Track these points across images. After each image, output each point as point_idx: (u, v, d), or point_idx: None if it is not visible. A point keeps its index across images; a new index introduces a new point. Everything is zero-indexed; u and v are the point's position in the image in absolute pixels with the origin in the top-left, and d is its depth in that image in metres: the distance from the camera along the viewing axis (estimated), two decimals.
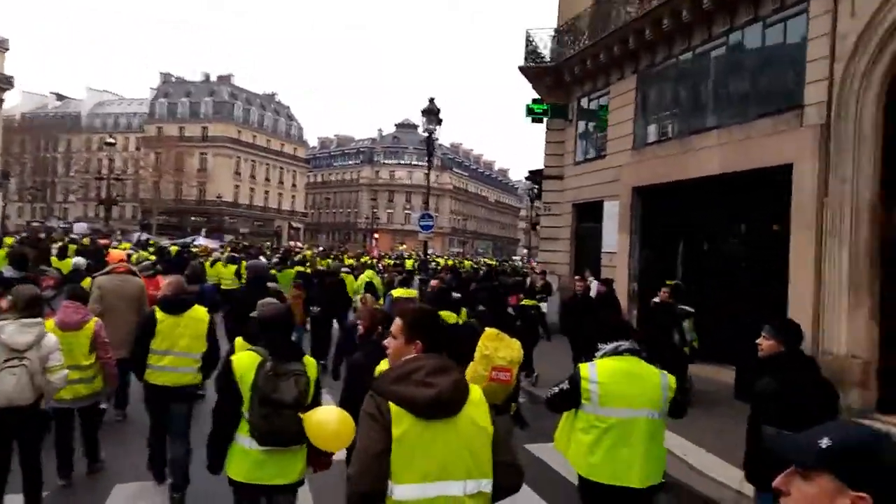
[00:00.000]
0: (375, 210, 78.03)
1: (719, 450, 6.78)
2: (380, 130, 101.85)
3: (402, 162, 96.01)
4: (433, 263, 26.25)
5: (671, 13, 13.19)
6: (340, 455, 3.55)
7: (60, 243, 16.57)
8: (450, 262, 34.42)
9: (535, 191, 28.04)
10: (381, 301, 10.07)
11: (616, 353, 3.74)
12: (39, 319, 4.73)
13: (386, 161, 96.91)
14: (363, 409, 2.32)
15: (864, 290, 8.99)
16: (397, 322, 2.62)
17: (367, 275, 13.85)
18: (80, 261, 10.78)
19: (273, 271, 12.56)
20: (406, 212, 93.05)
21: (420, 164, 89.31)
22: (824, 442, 1.21)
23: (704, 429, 7.43)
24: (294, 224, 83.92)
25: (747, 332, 4.82)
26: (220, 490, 3.98)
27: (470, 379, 4.41)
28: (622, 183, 15.06)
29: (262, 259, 17.39)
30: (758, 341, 4.05)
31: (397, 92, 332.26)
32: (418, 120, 18.15)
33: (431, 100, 17.25)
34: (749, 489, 4.05)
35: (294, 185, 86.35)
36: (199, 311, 5.55)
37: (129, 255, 11.94)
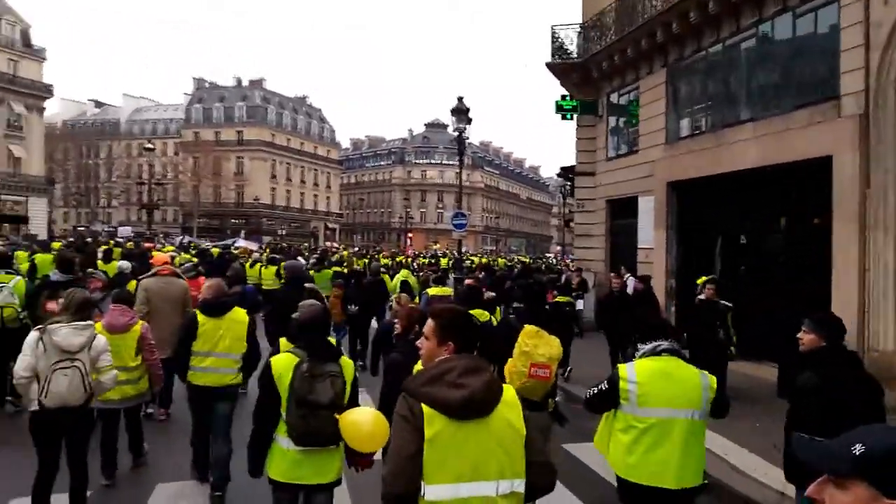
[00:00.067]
0: (409, 209, 78.35)
1: (761, 449, 6.64)
2: (410, 130, 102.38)
3: (433, 161, 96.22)
4: (468, 262, 26.29)
5: (698, 5, 13.00)
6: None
7: (106, 247, 17.09)
8: (484, 261, 34.42)
9: (568, 187, 27.83)
10: (417, 300, 10.15)
11: (655, 353, 3.71)
12: (90, 322, 4.88)
13: (417, 161, 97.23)
14: (396, 411, 2.33)
15: None
16: (430, 323, 2.61)
17: (403, 274, 13.95)
18: (125, 264, 11.10)
19: (311, 272, 12.75)
20: (438, 211, 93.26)
21: (451, 163, 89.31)
22: (858, 448, 1.15)
23: (745, 428, 7.31)
24: (330, 225, 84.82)
25: (789, 328, 4.72)
26: (259, 489, 4.06)
27: (509, 375, 4.49)
28: (656, 178, 14.89)
29: (301, 259, 17.64)
30: (798, 335, 3.99)
31: (418, 91, 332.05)
32: (447, 119, 18.21)
33: (461, 99, 17.28)
34: (791, 490, 4.00)
35: (328, 187, 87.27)
36: (240, 313, 5.67)
37: (172, 258, 12.25)
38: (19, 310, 7.56)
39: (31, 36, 51.37)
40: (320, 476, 3.74)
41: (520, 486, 2.32)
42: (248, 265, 15.98)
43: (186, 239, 39.38)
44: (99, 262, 12.95)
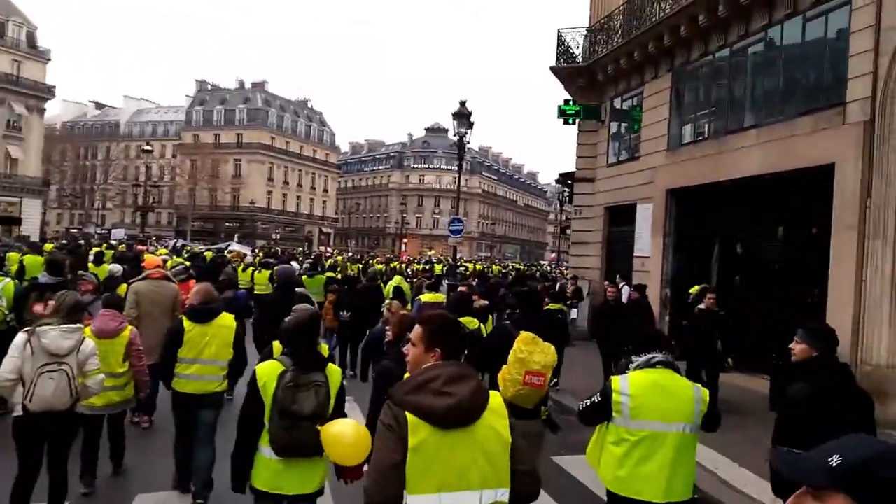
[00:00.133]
0: (405, 214, 78.35)
1: (752, 463, 6.55)
2: (409, 135, 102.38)
3: (432, 166, 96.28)
4: (461, 268, 26.19)
5: (707, 9, 12.93)
6: None
7: (97, 249, 16.93)
8: (478, 267, 34.32)
9: (566, 194, 27.78)
10: (409, 306, 10.03)
11: (649, 365, 3.66)
12: (80, 325, 4.82)
13: (416, 165, 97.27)
14: (380, 419, 2.30)
15: None
16: (417, 329, 2.58)
17: (396, 280, 13.84)
18: (116, 268, 10.94)
19: (304, 277, 12.61)
20: (435, 216, 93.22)
21: (449, 168, 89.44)
22: (835, 460, 1.12)
23: (737, 441, 7.18)
24: (324, 229, 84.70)
25: (782, 339, 4.66)
26: (242, 498, 3.97)
27: (503, 382, 4.40)
28: (656, 185, 14.81)
29: (294, 264, 17.50)
30: (790, 346, 4.00)
31: (420, 89, 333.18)
32: (447, 123, 18.13)
33: (463, 103, 17.13)
34: None
35: (325, 191, 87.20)
36: (227, 319, 5.56)
37: (164, 261, 12.10)
38: (6, 312, 7.44)
39: (36, 38, 51.56)
40: (303, 486, 3.68)
41: (504, 495, 2.28)
42: (240, 269, 15.84)
43: (179, 242, 39.21)
44: (90, 265, 12.80)
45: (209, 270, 13.21)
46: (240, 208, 72.88)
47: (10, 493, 4.58)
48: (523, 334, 4.57)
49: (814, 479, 1.14)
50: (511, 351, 4.48)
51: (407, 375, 2.93)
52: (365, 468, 3.61)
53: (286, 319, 4.17)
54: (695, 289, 10.59)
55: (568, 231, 23.28)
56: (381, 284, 13.71)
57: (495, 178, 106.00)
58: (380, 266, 24.95)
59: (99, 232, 53.95)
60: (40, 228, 48.71)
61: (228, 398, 7.67)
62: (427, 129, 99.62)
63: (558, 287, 15.89)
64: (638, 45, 15.44)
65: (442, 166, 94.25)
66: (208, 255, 23.20)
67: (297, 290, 8.14)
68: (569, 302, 13.64)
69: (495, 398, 2.37)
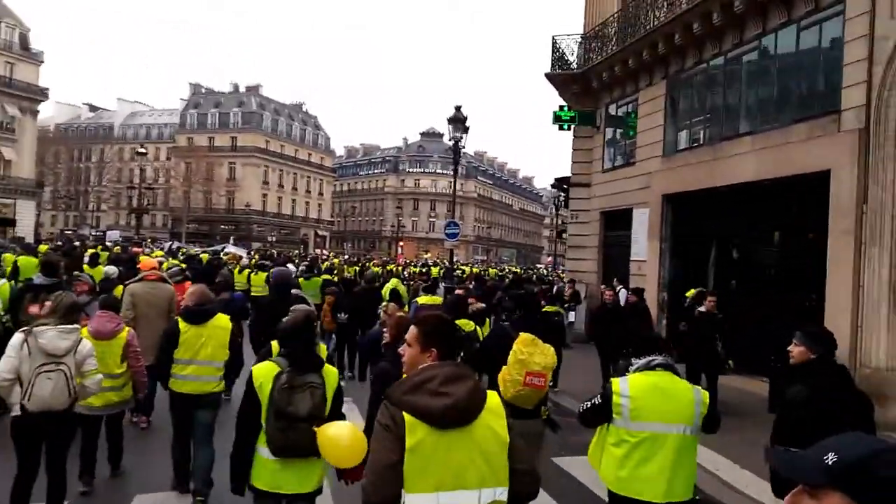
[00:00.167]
0: (401, 218, 78.32)
1: (753, 464, 6.57)
2: (405, 139, 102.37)
3: (427, 170, 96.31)
4: (458, 271, 26.18)
5: (701, 17, 13.00)
6: None
7: (93, 251, 16.85)
8: (475, 270, 34.33)
9: (561, 199, 27.84)
10: (406, 309, 10.02)
11: (649, 367, 3.69)
12: (77, 326, 4.81)
13: (411, 169, 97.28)
14: (378, 420, 2.30)
15: None
16: (412, 330, 2.59)
17: (393, 283, 13.81)
18: (112, 269, 10.89)
19: (300, 280, 12.59)
20: (431, 220, 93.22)
21: (445, 172, 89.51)
22: (830, 458, 1.12)
23: (736, 442, 7.21)
24: (320, 232, 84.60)
25: (780, 343, 4.69)
26: (242, 498, 3.96)
27: (503, 383, 4.41)
28: (652, 190, 14.86)
29: (291, 266, 17.47)
30: (789, 348, 4.02)
31: (416, 93, 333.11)
32: (443, 128, 18.17)
33: (458, 108, 17.14)
34: None
35: (321, 194, 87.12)
36: (223, 320, 5.57)
37: (160, 263, 12.06)
38: (2, 313, 7.40)
39: (29, 39, 51.38)
40: (301, 485, 3.69)
41: (503, 494, 2.28)
42: (236, 271, 15.80)
43: (175, 244, 39.10)
44: (85, 267, 12.73)
45: (205, 272, 13.18)
46: (235, 211, 72.76)
47: (10, 493, 4.56)
48: (523, 336, 4.59)
49: (810, 478, 1.14)
50: (511, 352, 4.50)
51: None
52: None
53: (283, 320, 4.17)
54: (691, 292, 10.62)
55: (564, 235, 23.33)
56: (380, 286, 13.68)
57: (491, 182, 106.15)
58: (376, 269, 24.92)
59: (94, 234, 53.80)
60: (35, 230, 48.45)
61: (226, 399, 7.64)
62: (422, 134, 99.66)
63: (555, 290, 15.91)
64: (632, 53, 15.51)
65: (437, 170, 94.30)
66: (204, 257, 23.14)
67: (293, 291, 8.13)
68: (566, 305, 13.65)
69: (493, 398, 2.37)
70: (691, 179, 13.64)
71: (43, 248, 19.55)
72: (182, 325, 5.39)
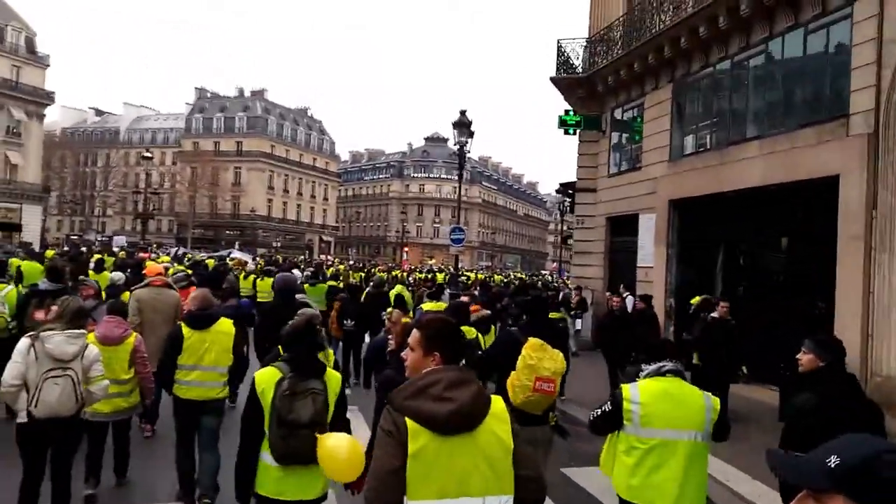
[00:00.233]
0: (405, 224, 78.40)
1: (764, 475, 6.47)
2: (409, 144, 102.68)
3: (432, 175, 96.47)
4: (463, 277, 26.12)
5: (707, 20, 12.95)
6: None
7: (98, 256, 16.88)
8: (480, 277, 34.25)
9: (566, 204, 27.76)
10: (411, 315, 9.96)
11: (659, 373, 3.66)
12: (83, 331, 4.78)
13: (416, 175, 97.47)
14: (380, 425, 2.27)
15: None
16: (415, 334, 2.53)
17: (398, 289, 13.78)
18: (118, 275, 10.89)
19: (306, 286, 12.55)
20: (435, 225, 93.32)
21: (449, 177, 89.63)
22: (833, 460, 1.10)
23: (746, 452, 7.11)
24: (325, 237, 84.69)
25: (790, 350, 4.66)
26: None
27: (512, 389, 4.36)
28: (659, 195, 14.79)
29: (297, 272, 17.44)
30: (798, 356, 4.00)
31: (418, 93, 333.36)
32: (447, 133, 18.16)
33: (463, 112, 17.15)
34: None
35: (325, 199, 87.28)
36: (226, 325, 5.55)
37: (166, 269, 12.03)
38: (9, 319, 7.39)
39: (35, 43, 51.52)
40: (305, 492, 3.64)
41: (508, 501, 2.24)
42: (241, 277, 15.77)
43: (181, 250, 39.17)
44: (90, 272, 12.72)
45: (211, 278, 13.14)
46: (240, 216, 72.91)
47: (17, 499, 4.54)
48: (532, 340, 4.55)
49: (813, 482, 1.12)
50: (520, 357, 4.46)
51: None
52: None
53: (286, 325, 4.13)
54: (696, 299, 10.54)
55: (569, 241, 23.23)
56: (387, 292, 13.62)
57: (495, 187, 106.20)
58: (381, 274, 24.88)
59: (100, 239, 53.92)
60: (41, 235, 48.62)
61: (231, 406, 7.60)
62: (426, 139, 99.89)
63: (561, 297, 15.83)
64: (638, 57, 15.47)
65: (442, 175, 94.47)
66: (210, 262, 23.14)
67: (297, 296, 8.08)
68: (572, 312, 13.57)
69: (497, 403, 2.34)
70: (698, 184, 13.57)
71: (49, 253, 19.59)
72: (185, 330, 5.36)
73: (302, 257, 47.50)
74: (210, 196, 70.68)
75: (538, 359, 4.40)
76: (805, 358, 3.91)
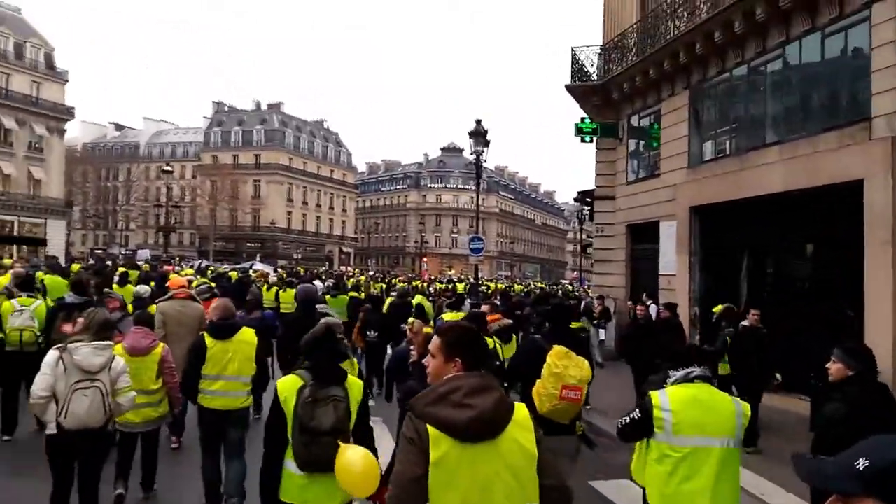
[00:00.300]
0: (423, 234, 78.47)
1: (799, 488, 6.30)
2: (426, 154, 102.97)
3: (449, 185, 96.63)
4: (483, 287, 26.07)
5: (723, 25, 12.87)
6: None
7: (122, 269, 17.06)
8: (500, 286, 34.16)
9: (585, 212, 27.65)
10: (432, 325, 9.94)
11: (687, 379, 3.61)
12: (110, 343, 4.82)
13: (432, 185, 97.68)
14: (402, 432, 2.26)
15: None
16: (435, 340, 2.53)
17: (418, 299, 13.77)
18: (144, 288, 10.95)
19: (327, 297, 12.60)
20: (453, 235, 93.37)
21: (466, 187, 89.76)
22: (861, 463, 1.08)
23: (780, 465, 6.95)
24: (344, 249, 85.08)
25: (819, 359, 4.59)
26: None
27: (538, 397, 4.33)
28: (678, 202, 14.67)
29: (318, 283, 17.52)
30: (827, 366, 3.98)
31: (419, 93, 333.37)
32: (462, 143, 18.18)
33: (479, 121, 17.14)
34: None
35: (344, 210, 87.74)
36: (248, 334, 5.59)
37: (189, 282, 12.13)
38: (38, 333, 7.50)
39: (54, 59, 52.31)
40: (329, 500, 3.62)
41: None
42: (264, 289, 15.88)
43: (204, 263, 39.57)
44: (114, 286, 12.86)
45: (235, 290, 13.25)
46: (260, 228, 73.49)
47: None
48: (556, 348, 4.51)
49: (841, 485, 1.10)
50: (545, 365, 4.42)
51: None
52: None
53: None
54: (718, 308, 10.40)
55: (589, 250, 23.11)
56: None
57: (512, 196, 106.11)
58: (402, 285, 24.92)
59: (123, 252, 54.64)
60: (65, 249, 49.32)
61: (256, 417, 7.64)
62: (443, 149, 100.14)
63: (583, 306, 15.73)
64: (653, 63, 15.40)
65: (459, 185, 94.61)
66: (233, 274, 23.33)
67: (318, 307, 8.11)
68: (595, 322, 13.44)
69: (521, 410, 2.31)
70: (718, 190, 13.45)
71: (75, 267, 19.86)
72: (208, 340, 5.39)
73: (323, 269, 47.75)
74: (230, 209, 71.42)
75: (564, 367, 4.37)
76: (834, 367, 3.88)
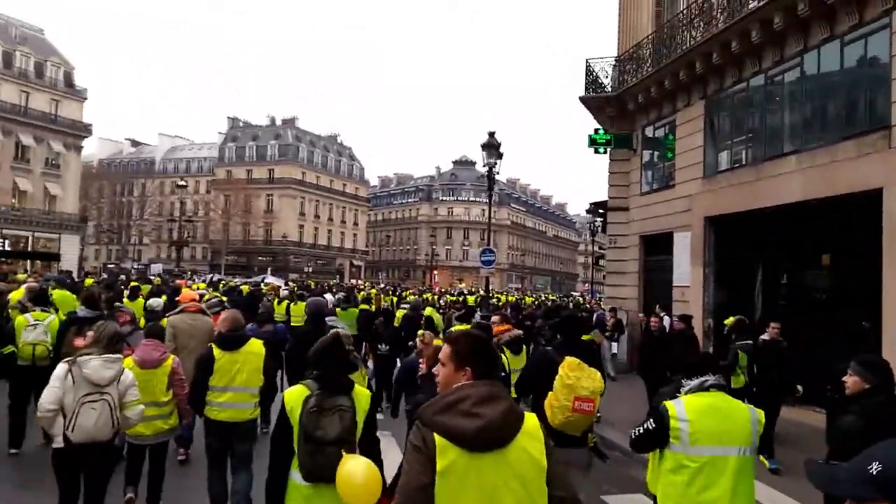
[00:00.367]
0: (434, 247, 78.51)
1: (816, 501, 6.17)
2: (437, 168, 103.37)
3: (460, 199, 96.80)
4: (494, 299, 25.95)
5: (740, 35, 12.77)
6: None
7: (134, 284, 17.13)
8: (511, 299, 34.00)
9: (597, 224, 27.51)
10: (442, 337, 9.85)
11: (702, 388, 3.57)
12: (120, 356, 4.81)
13: (444, 198, 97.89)
14: (409, 440, 2.24)
15: None
16: (445, 349, 2.50)
17: (427, 311, 13.71)
18: (157, 302, 10.94)
19: (337, 310, 12.56)
20: (464, 248, 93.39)
21: (477, 200, 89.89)
22: (875, 467, 1.05)
23: (797, 479, 6.81)
24: (355, 262, 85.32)
25: (835, 371, 4.54)
26: None
27: (550, 409, 4.25)
28: (693, 213, 14.53)
29: (329, 296, 17.48)
30: (843, 379, 3.96)
31: (412, 97, 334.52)
32: (475, 156, 18.15)
33: (492, 133, 17.12)
34: None
35: (356, 224, 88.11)
36: (256, 345, 5.58)
37: (200, 296, 12.13)
38: (50, 347, 7.51)
39: (73, 77, 53.24)
40: None
41: None
42: (275, 302, 15.86)
43: (216, 277, 39.77)
44: (125, 300, 12.88)
45: (246, 303, 13.22)
46: (272, 242, 73.91)
47: None
48: (568, 360, 4.46)
49: (854, 491, 1.07)
50: (557, 377, 4.39)
51: None
52: None
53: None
54: (730, 320, 10.25)
55: (601, 261, 22.94)
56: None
57: (524, 209, 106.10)
58: (412, 297, 24.84)
59: (136, 267, 55.04)
60: (78, 264, 49.74)
61: (265, 431, 7.57)
62: (455, 162, 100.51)
63: (596, 318, 15.58)
64: (669, 74, 15.33)
65: (470, 198, 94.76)
66: (245, 288, 23.39)
67: (327, 319, 8.06)
68: (607, 334, 13.30)
69: (530, 420, 2.27)
70: (734, 201, 13.31)
71: (88, 281, 20.00)
72: (216, 351, 5.37)
73: (333, 282, 47.83)
74: (243, 223, 71.91)
75: (576, 378, 4.32)
76: (851, 380, 3.87)
